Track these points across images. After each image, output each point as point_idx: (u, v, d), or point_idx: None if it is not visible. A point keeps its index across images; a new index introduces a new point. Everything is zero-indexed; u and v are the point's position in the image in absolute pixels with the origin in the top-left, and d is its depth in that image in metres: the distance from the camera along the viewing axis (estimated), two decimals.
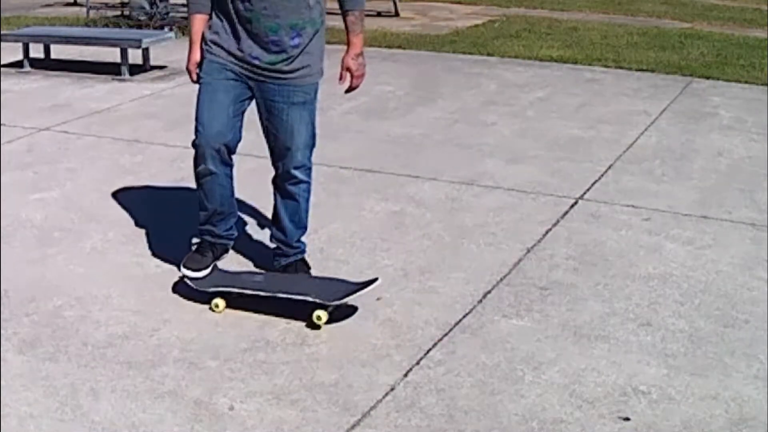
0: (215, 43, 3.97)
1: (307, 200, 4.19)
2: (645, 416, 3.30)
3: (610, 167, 6.03)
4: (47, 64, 9.05)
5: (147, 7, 10.80)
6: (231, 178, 4.15)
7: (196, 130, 4.03)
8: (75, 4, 13.08)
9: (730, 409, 3.35)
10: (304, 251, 4.27)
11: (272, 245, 4.25)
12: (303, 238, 4.25)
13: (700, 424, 3.26)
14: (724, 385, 3.50)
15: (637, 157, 6.26)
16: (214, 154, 4.00)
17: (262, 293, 3.96)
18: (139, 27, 10.51)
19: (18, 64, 8.90)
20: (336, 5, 4.17)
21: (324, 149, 6.34)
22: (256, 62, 3.94)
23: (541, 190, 5.57)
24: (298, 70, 4.00)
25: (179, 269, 4.21)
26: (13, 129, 6.75)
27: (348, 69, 4.10)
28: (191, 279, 4.09)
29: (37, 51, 9.08)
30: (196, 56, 4.03)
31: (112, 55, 8.81)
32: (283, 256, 4.22)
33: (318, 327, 3.85)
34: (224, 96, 3.98)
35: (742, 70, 8.99)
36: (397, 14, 12.32)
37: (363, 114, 7.30)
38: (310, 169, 4.14)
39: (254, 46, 3.93)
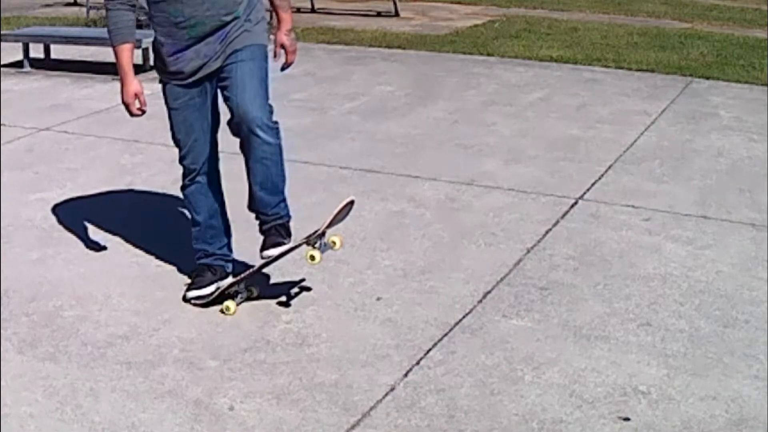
0: (168, 73, 3.92)
1: (278, 164, 3.91)
2: (645, 416, 3.30)
3: (610, 167, 6.03)
4: (47, 64, 9.06)
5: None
6: (220, 192, 4.13)
7: (180, 151, 4.04)
8: (75, 4, 13.09)
9: (730, 409, 3.35)
10: (283, 217, 4.02)
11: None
12: (283, 204, 4.02)
13: (700, 424, 3.26)
14: (724, 385, 3.50)
15: (637, 157, 6.26)
16: (198, 168, 4.03)
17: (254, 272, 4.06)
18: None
19: (18, 64, 8.91)
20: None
21: (324, 149, 6.37)
22: (208, 59, 3.87)
23: (541, 190, 5.57)
24: (240, 35, 3.87)
25: (179, 271, 4.22)
26: (13, 129, 6.75)
27: (282, 45, 4.03)
28: (195, 299, 4.09)
29: (37, 51, 9.09)
30: (134, 87, 3.92)
31: (111, 55, 8.79)
32: (263, 223, 4.03)
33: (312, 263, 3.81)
34: (196, 114, 3.96)
35: (742, 70, 8.99)
36: (397, 14, 12.32)
37: (363, 114, 7.30)
38: (273, 129, 3.84)
39: (202, 47, 3.84)
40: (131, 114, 3.97)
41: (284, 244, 3.97)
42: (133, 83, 3.92)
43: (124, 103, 3.94)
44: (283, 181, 3.98)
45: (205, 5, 3.77)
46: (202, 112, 3.97)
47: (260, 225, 4.04)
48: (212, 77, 3.92)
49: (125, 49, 3.94)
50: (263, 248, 3.98)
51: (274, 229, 4.01)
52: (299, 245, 4.01)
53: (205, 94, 3.95)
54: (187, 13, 3.78)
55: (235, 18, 3.84)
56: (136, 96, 3.92)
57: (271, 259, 4.14)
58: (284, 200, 4.01)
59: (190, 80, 3.90)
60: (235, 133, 3.85)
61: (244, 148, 3.88)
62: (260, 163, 3.86)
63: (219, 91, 3.95)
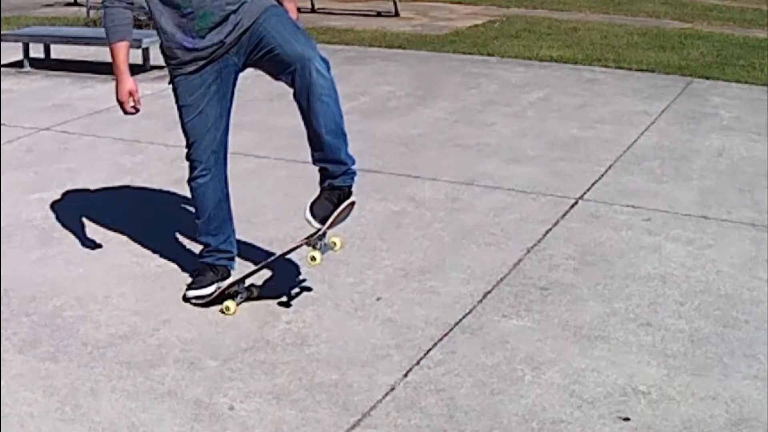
0: (183, 63, 3.88)
1: (336, 101, 3.81)
2: (645, 416, 3.30)
3: (610, 167, 6.03)
4: (47, 64, 9.06)
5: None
6: (226, 182, 4.11)
7: (190, 147, 4.00)
8: (75, 4, 13.09)
9: (730, 409, 3.35)
10: (352, 172, 3.91)
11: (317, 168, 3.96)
12: (346, 154, 3.87)
13: (700, 424, 3.26)
14: (724, 385, 3.50)
15: (637, 157, 6.26)
16: (209, 158, 3.99)
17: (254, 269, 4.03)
18: (139, 27, 10.44)
19: (18, 64, 8.91)
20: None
21: None
22: (221, 44, 3.84)
23: (541, 190, 5.57)
24: (251, 10, 3.84)
25: (180, 271, 4.22)
26: (13, 129, 6.75)
27: None
28: (195, 298, 4.08)
29: (37, 51, 9.09)
30: (129, 85, 3.91)
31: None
32: (330, 177, 3.88)
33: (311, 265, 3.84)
34: (213, 103, 3.92)
35: (742, 70, 8.99)
36: (397, 14, 12.32)
37: (363, 114, 7.30)
38: (326, 63, 3.81)
39: (213, 34, 3.82)
40: (125, 112, 3.97)
41: (328, 218, 3.84)
42: (128, 81, 3.92)
43: (118, 101, 3.94)
44: (342, 120, 3.87)
45: None
46: (216, 98, 3.93)
47: (322, 180, 3.91)
48: (227, 59, 3.88)
49: (121, 46, 3.93)
50: (311, 207, 3.86)
51: (328, 193, 3.88)
52: (299, 246, 4.02)
53: (221, 79, 3.91)
54: (195, 4, 3.78)
55: (242, 3, 3.83)
56: (131, 94, 3.92)
57: (271, 259, 4.15)
58: (346, 142, 3.88)
59: (206, 62, 3.85)
60: (290, 82, 3.78)
61: (302, 93, 3.78)
62: (320, 101, 3.78)
63: (257, 63, 3.87)
